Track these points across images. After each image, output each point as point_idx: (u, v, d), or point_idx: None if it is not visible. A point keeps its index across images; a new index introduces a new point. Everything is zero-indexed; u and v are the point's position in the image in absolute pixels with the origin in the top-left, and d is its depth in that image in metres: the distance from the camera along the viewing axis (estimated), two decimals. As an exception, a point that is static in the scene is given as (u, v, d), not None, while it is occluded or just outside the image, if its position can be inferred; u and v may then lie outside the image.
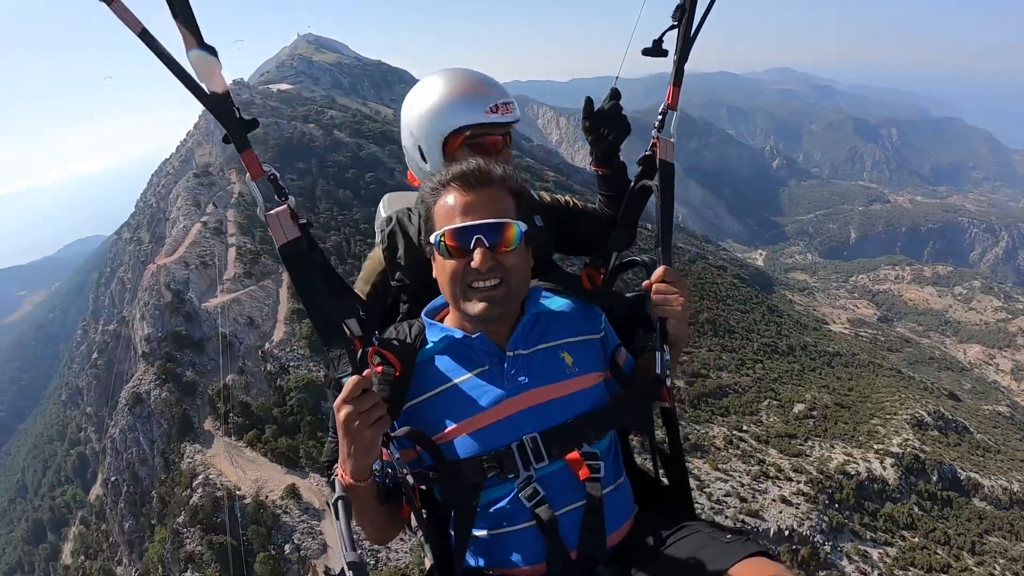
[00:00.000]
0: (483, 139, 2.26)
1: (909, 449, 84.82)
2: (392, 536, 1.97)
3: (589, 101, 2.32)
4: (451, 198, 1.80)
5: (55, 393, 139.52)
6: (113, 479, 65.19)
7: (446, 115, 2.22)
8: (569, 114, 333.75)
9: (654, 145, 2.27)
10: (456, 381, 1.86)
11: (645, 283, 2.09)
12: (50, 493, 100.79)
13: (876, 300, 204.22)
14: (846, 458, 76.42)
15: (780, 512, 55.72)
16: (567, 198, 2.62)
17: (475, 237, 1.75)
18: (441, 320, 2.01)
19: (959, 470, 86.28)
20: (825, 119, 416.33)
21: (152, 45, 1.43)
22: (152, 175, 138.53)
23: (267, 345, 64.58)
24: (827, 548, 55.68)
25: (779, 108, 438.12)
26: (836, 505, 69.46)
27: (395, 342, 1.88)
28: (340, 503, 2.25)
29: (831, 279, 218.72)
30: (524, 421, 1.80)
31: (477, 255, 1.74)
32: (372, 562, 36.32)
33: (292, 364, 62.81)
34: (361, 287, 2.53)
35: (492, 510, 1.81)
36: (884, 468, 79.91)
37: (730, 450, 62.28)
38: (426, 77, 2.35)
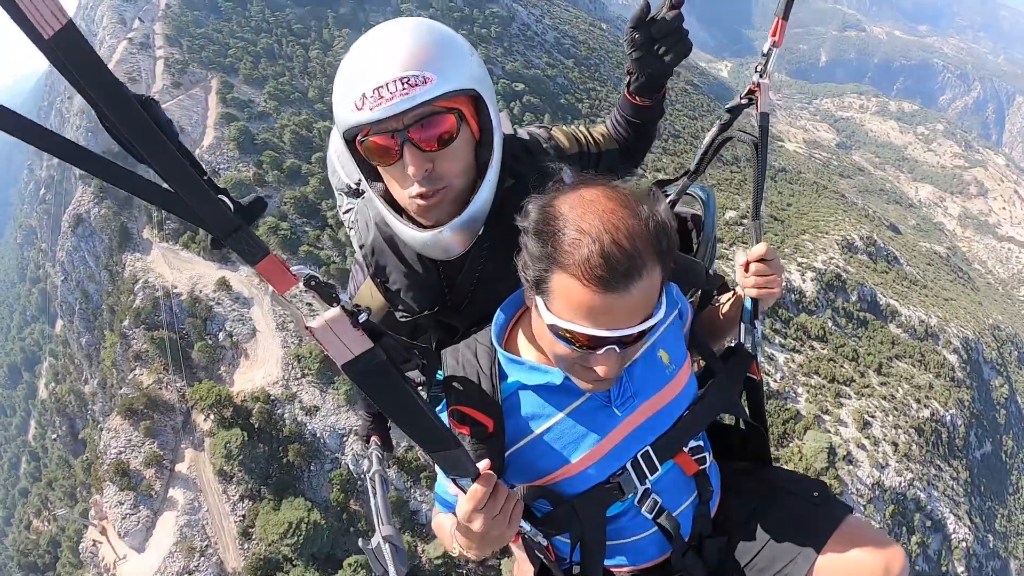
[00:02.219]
0: (372, 142, 1.62)
1: (832, 267, 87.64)
2: None
3: (646, 6, 1.78)
4: (580, 290, 1.33)
5: (11, 238, 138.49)
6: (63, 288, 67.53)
7: (335, 113, 1.67)
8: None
9: (752, 92, 1.92)
10: (558, 418, 1.65)
11: (742, 261, 1.88)
12: (19, 335, 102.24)
13: (837, 126, 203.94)
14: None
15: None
16: (586, 134, 2.14)
17: (607, 348, 1.41)
18: (512, 338, 1.74)
19: (880, 295, 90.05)
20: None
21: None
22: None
23: (197, 151, 64.13)
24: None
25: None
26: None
27: (475, 392, 1.63)
28: (377, 477, 2.22)
29: (795, 99, 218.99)
30: (635, 441, 1.68)
31: (604, 366, 1.44)
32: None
33: (222, 166, 63.52)
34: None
35: (613, 527, 1.75)
36: (804, 281, 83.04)
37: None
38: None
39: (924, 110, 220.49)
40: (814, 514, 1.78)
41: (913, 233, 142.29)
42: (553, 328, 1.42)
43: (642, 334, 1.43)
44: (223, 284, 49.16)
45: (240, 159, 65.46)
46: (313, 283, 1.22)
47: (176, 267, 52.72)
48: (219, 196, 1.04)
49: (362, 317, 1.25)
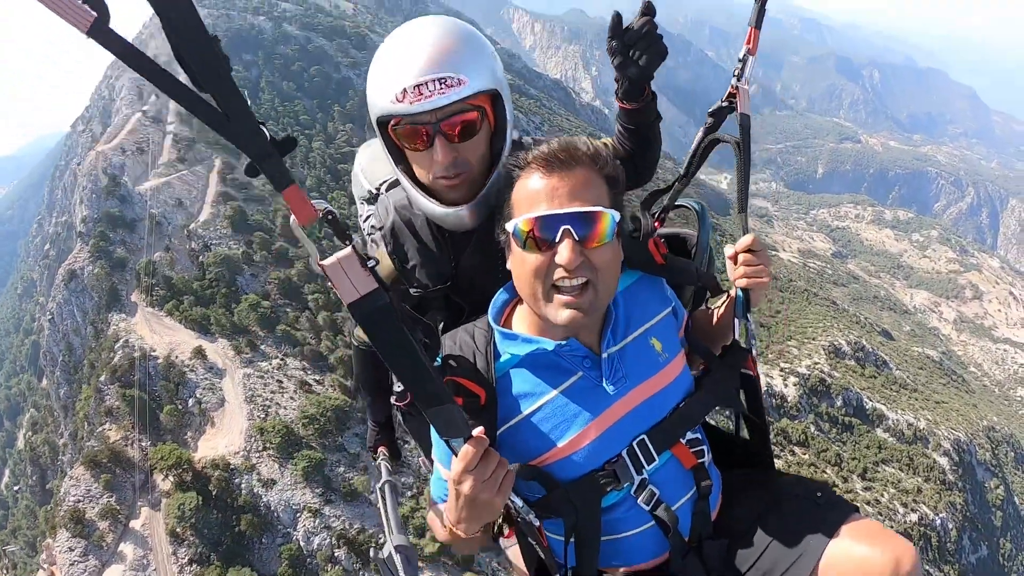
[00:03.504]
0: (407, 129, 1.85)
1: (816, 372, 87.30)
2: (479, 547, 1.89)
3: (617, 17, 1.89)
4: (534, 180, 1.58)
5: (12, 289, 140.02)
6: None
7: (370, 97, 1.88)
8: (545, 19, 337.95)
9: (732, 95, 2.08)
10: (550, 396, 1.68)
11: (730, 253, 1.94)
12: (5, 384, 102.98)
13: (833, 235, 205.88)
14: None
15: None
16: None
17: (562, 228, 1.51)
18: (508, 319, 1.83)
19: (866, 399, 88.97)
20: (808, 52, 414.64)
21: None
22: (107, 67, 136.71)
23: (193, 225, 67.14)
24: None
25: (763, 35, 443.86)
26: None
27: (470, 366, 1.69)
28: (387, 487, 2.27)
29: (792, 209, 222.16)
30: (629, 425, 1.68)
31: (564, 249, 1.51)
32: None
33: (214, 242, 65.58)
34: None
35: (609, 518, 1.71)
36: (786, 386, 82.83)
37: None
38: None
39: (919, 217, 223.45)
40: (817, 513, 1.73)
41: (907, 339, 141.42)
42: (516, 234, 1.59)
43: (600, 230, 1.55)
44: (199, 353, 50.50)
45: (232, 236, 67.58)
46: (331, 218, 1.31)
47: (157, 331, 54.22)
48: (260, 125, 1.18)
49: (371, 263, 1.32)
